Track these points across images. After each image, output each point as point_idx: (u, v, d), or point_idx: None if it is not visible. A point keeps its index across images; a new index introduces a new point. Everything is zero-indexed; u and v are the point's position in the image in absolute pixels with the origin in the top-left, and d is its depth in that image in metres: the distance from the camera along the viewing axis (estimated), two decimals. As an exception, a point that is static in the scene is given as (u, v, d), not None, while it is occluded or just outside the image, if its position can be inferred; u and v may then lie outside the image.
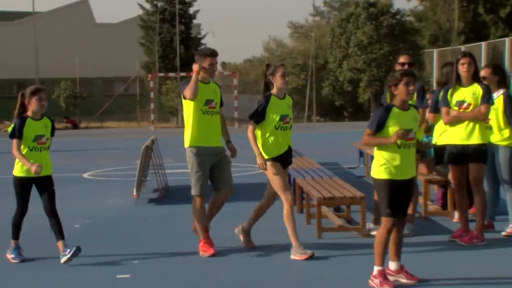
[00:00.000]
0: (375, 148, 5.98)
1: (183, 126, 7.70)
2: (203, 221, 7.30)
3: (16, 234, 7.08)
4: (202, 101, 7.21)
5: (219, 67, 49.71)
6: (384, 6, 36.27)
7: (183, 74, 35.93)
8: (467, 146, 7.28)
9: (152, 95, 34.31)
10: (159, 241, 8.00)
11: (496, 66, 8.15)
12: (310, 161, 11.18)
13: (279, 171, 7.12)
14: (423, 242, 7.44)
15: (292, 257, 6.93)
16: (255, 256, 7.12)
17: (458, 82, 7.40)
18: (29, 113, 6.96)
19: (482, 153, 7.32)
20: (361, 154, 13.27)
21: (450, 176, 7.73)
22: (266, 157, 7.11)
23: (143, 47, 42.76)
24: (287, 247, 7.06)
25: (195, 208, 7.30)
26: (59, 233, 6.93)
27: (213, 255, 7.10)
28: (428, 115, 8.10)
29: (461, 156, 7.35)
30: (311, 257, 6.84)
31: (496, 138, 7.70)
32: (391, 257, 5.97)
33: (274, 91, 7.24)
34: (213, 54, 7.31)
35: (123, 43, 46.67)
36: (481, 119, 7.30)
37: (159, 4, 42.26)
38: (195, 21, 43.76)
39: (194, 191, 7.26)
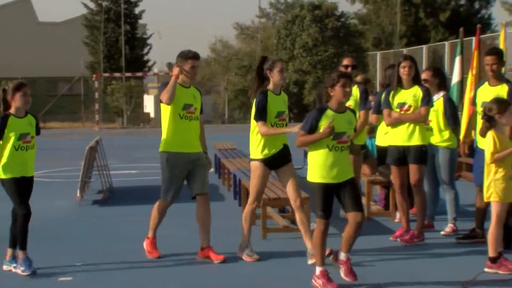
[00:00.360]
0: (309, 151, 5.96)
1: (128, 127, 7.59)
2: (158, 224, 7.14)
3: (23, 243, 6.50)
4: (180, 105, 6.88)
5: (164, 68, 49.52)
6: (329, 9, 36.59)
7: (128, 74, 35.67)
8: (408, 147, 7.40)
9: (96, 95, 33.89)
10: (103, 243, 7.91)
11: (437, 69, 8.31)
12: (255, 162, 11.20)
13: (262, 176, 6.92)
14: (366, 241, 7.53)
15: (239, 255, 6.98)
16: (195, 259, 7.03)
17: (399, 85, 7.52)
18: (12, 110, 6.54)
19: (422, 154, 7.45)
20: (306, 154, 13.35)
21: (392, 177, 7.85)
22: (256, 157, 6.89)
23: (87, 46, 42.16)
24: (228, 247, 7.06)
25: (158, 209, 7.11)
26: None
27: (158, 257, 7.02)
28: (372, 116, 8.22)
29: (402, 157, 7.47)
30: (257, 260, 6.87)
31: (436, 139, 7.86)
32: (342, 248, 6.07)
33: (270, 86, 6.91)
34: (195, 56, 6.98)
35: (67, 43, 45.94)
36: (421, 120, 7.43)
37: (104, 3, 41.75)
38: (140, 21, 43.34)
39: (163, 197, 7.07)
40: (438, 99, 7.83)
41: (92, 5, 42.48)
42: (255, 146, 6.90)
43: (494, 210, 6.36)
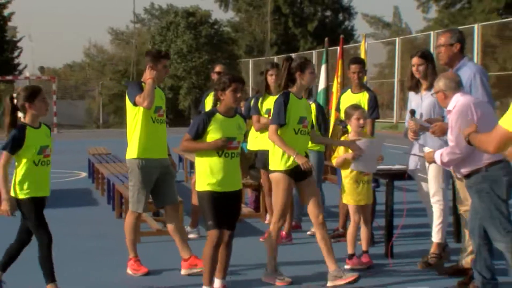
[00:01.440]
0: (196, 158, 5.53)
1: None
2: (135, 238, 6.65)
3: (51, 273, 5.56)
4: (153, 108, 6.38)
5: (37, 72, 47.77)
6: (203, 16, 36.66)
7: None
8: (277, 151, 7.54)
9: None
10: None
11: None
12: (129, 166, 11.06)
13: (288, 189, 6.16)
14: (238, 243, 7.61)
15: (266, 280, 6.19)
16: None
17: (268, 91, 7.68)
18: (27, 119, 5.58)
19: (291, 158, 7.61)
20: (181, 159, 13.37)
21: (261, 180, 7.99)
22: (278, 168, 6.12)
23: (-45, 49, 40.01)
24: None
25: (130, 223, 6.54)
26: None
27: (146, 274, 6.44)
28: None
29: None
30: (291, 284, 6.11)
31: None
32: (216, 274, 5.54)
33: (293, 89, 6.20)
34: (166, 56, 6.58)
35: None
36: (289, 126, 7.58)
37: (-29, 5, 39.81)
38: (10, 24, 41.63)
39: (135, 208, 6.51)
40: (310, 105, 8.04)
41: (-41, 7, 40.40)
42: (277, 156, 6.17)
43: (350, 212, 6.67)
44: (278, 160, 6.12)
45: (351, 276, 5.82)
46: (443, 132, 5.82)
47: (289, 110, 6.04)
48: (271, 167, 6.22)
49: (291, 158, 6.02)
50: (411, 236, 7.85)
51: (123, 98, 6.78)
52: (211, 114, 5.47)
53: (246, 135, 8.86)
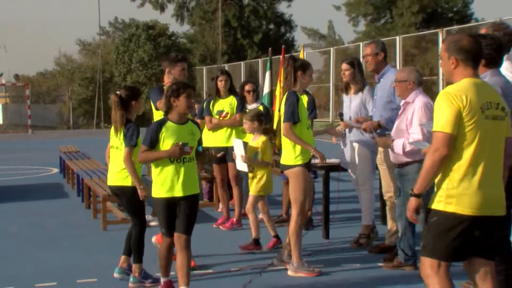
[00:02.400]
0: (152, 165, 4.95)
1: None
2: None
3: (139, 254, 5.32)
4: None
5: (12, 79, 46.58)
6: (161, 29, 36.27)
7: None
8: (227, 148, 7.52)
9: None
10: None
11: (254, 82, 8.56)
12: (97, 162, 10.92)
13: (309, 181, 5.63)
14: (195, 229, 7.57)
15: (294, 271, 5.62)
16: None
17: (218, 95, 7.66)
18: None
19: (239, 154, 7.60)
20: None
21: (214, 173, 7.96)
22: (297, 163, 5.50)
23: None
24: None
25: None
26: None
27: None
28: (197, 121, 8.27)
29: (222, 156, 7.57)
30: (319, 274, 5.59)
31: (250, 139, 8.05)
32: (180, 282, 4.85)
33: (296, 88, 5.66)
34: (183, 59, 6.04)
35: None
36: (237, 125, 7.60)
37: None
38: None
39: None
40: (258, 107, 8.05)
41: None
42: (296, 151, 5.54)
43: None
44: (297, 155, 5.52)
45: (317, 271, 5.61)
46: (374, 128, 5.90)
47: (300, 108, 5.55)
48: (288, 163, 5.58)
49: (308, 152, 5.57)
50: (345, 220, 7.93)
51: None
52: (162, 122, 4.89)
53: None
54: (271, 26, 44.38)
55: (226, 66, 32.42)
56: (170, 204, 4.87)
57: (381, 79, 6.23)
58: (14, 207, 9.43)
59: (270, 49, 11.52)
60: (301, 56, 12.29)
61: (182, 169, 4.83)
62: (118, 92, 5.39)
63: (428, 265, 3.60)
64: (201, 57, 42.03)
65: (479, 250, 3.59)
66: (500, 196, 3.58)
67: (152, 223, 7.82)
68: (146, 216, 7.77)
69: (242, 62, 34.19)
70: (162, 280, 5.10)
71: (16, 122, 37.71)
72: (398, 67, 22.07)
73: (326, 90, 27.69)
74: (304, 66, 5.65)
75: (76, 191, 10.30)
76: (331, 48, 27.99)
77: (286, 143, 5.59)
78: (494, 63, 4.39)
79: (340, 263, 5.97)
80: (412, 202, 3.69)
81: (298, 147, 5.53)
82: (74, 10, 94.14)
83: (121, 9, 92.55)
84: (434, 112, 3.56)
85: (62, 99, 45.65)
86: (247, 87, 8.10)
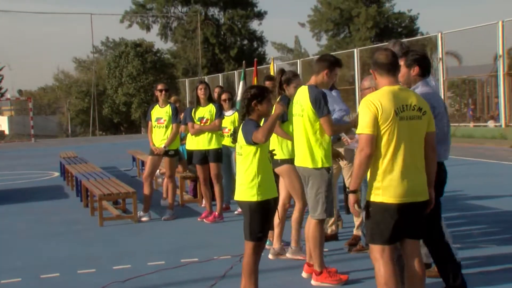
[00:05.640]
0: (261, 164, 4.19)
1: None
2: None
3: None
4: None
5: (16, 94, 45.85)
6: (148, 46, 36.08)
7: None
8: (208, 150, 7.52)
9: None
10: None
11: (229, 92, 8.55)
12: (93, 166, 10.79)
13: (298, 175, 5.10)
14: (182, 223, 7.56)
15: (289, 256, 5.49)
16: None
17: (198, 103, 7.63)
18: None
19: (219, 155, 7.61)
20: (134, 159, 13.15)
21: (198, 173, 7.92)
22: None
23: None
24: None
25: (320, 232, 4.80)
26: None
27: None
28: (181, 127, 8.23)
29: (204, 158, 7.57)
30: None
31: (228, 142, 8.03)
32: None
33: (288, 93, 5.42)
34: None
35: None
36: (216, 130, 7.57)
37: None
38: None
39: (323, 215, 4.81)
40: (234, 113, 8.03)
41: None
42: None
43: None
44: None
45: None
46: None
47: (289, 109, 5.12)
48: (280, 157, 5.31)
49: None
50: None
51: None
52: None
53: (183, 139, 8.80)
54: (245, 42, 44.38)
55: (206, 78, 32.34)
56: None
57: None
58: (20, 207, 9.28)
59: (244, 62, 11.53)
60: (271, 67, 12.33)
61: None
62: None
63: (374, 250, 3.64)
64: (184, 70, 41.91)
65: (408, 232, 3.64)
66: (421, 185, 3.61)
67: (144, 219, 7.77)
68: (138, 212, 7.77)
69: (220, 74, 34.14)
70: None
71: (21, 132, 37.25)
72: (356, 75, 22.25)
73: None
74: (288, 80, 5.43)
75: (75, 192, 10.17)
76: (298, 60, 28.07)
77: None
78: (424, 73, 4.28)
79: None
80: (350, 198, 3.76)
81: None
82: (70, 31, 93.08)
83: (112, 29, 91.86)
84: (358, 116, 3.62)
85: (61, 110, 45.19)
86: (223, 96, 8.08)
